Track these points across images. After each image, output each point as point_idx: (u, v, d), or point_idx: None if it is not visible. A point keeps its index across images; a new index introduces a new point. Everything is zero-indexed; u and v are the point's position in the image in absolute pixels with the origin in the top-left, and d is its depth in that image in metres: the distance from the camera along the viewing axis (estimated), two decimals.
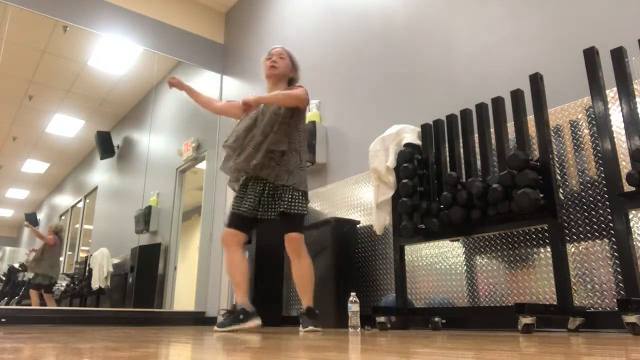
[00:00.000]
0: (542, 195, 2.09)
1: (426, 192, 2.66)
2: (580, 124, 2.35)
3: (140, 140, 5.51)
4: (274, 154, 2.63)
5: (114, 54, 5.30)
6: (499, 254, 2.56)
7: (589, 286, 2.18)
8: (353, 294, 2.60)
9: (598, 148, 2.26)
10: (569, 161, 2.36)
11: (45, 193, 4.98)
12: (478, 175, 2.48)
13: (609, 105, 2.21)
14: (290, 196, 2.58)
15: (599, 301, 2.13)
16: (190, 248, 5.67)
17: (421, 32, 3.37)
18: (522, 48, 2.71)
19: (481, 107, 2.51)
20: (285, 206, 2.56)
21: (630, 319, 1.66)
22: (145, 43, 5.45)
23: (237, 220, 2.63)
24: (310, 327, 2.44)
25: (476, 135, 2.68)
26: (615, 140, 2.12)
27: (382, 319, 2.56)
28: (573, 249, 2.26)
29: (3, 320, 3.96)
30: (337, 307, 3.08)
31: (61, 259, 4.92)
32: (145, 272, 5.12)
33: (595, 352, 0.97)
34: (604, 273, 2.14)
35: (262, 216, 2.63)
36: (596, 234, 2.19)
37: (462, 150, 2.62)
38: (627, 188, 1.93)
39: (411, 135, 2.82)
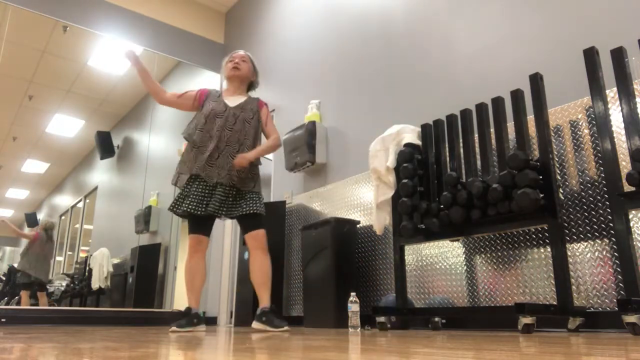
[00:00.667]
0: (542, 195, 2.09)
1: (426, 192, 2.66)
2: (580, 124, 2.35)
3: (140, 140, 5.51)
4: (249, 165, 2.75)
5: (114, 54, 5.30)
6: (499, 254, 2.56)
7: (589, 286, 2.18)
8: (353, 294, 2.61)
9: (598, 148, 2.26)
10: (569, 161, 2.36)
11: (45, 193, 4.98)
12: (478, 175, 2.48)
13: (609, 105, 2.21)
14: (256, 198, 2.77)
15: (599, 301, 2.13)
16: None
17: (421, 32, 3.37)
18: (522, 48, 2.71)
19: (481, 107, 2.51)
20: (254, 208, 2.72)
21: (630, 319, 1.66)
22: (145, 43, 5.45)
23: (201, 225, 2.73)
24: (286, 327, 2.51)
25: (476, 135, 2.68)
26: (615, 140, 2.12)
27: (382, 319, 2.56)
28: (573, 249, 2.26)
29: (3, 320, 3.97)
30: (337, 307, 3.08)
31: (59, 258, 4.92)
32: (145, 272, 5.12)
33: (595, 352, 0.97)
34: (604, 273, 2.14)
35: (228, 215, 2.76)
36: (596, 234, 2.19)
37: (462, 150, 2.63)
38: (627, 188, 1.93)
39: (411, 135, 2.82)
